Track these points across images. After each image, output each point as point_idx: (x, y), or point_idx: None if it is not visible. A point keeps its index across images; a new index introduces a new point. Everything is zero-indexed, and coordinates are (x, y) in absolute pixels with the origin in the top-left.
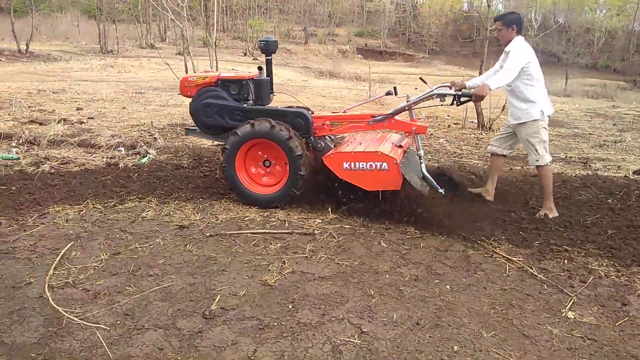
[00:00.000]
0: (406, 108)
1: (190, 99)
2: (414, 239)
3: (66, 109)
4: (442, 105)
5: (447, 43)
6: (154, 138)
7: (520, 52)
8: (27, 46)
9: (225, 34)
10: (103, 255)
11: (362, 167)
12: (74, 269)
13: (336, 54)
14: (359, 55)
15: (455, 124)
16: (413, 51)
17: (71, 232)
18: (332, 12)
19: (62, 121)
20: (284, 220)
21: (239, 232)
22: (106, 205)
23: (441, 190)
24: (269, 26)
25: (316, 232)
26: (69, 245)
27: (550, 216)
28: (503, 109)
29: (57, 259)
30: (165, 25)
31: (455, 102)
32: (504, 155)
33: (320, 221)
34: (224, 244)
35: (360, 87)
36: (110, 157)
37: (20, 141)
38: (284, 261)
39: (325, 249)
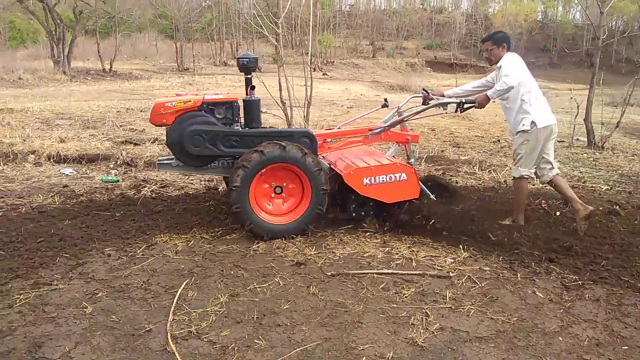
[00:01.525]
0: (404, 120)
1: (162, 127)
2: (575, 288)
3: (156, 128)
4: (445, 113)
5: (521, 54)
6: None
7: (512, 63)
8: (110, 65)
9: (293, 50)
10: (221, 296)
11: (382, 181)
12: (194, 314)
13: (405, 67)
14: (428, 68)
15: (560, 141)
16: (485, 63)
17: (183, 266)
18: (400, 25)
19: (155, 141)
20: (410, 259)
21: (363, 272)
22: (213, 235)
23: (432, 196)
24: (338, 41)
25: (451, 274)
26: (184, 283)
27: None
28: (617, 126)
29: (175, 300)
30: (237, 43)
31: (459, 109)
32: (556, 174)
33: (452, 260)
34: (349, 287)
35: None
36: (208, 180)
37: (118, 162)
38: (426, 313)
39: (468, 297)
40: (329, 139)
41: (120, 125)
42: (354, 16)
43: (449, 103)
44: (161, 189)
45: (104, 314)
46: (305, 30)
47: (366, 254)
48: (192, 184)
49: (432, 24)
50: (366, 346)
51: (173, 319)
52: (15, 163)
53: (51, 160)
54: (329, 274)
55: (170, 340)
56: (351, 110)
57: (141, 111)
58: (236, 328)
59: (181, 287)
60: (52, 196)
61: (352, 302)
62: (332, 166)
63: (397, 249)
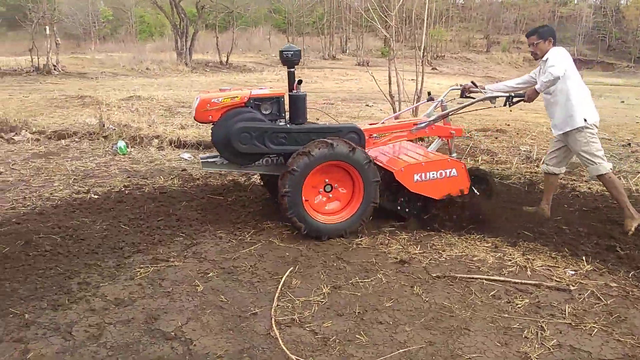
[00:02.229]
0: (451, 113)
1: (206, 125)
2: None
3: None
4: (494, 107)
5: None
6: None
7: (559, 55)
8: (227, 58)
9: (402, 44)
10: (324, 287)
11: (433, 177)
12: (297, 302)
13: (522, 62)
14: None
15: None
16: (614, 59)
17: (288, 254)
18: (519, 18)
19: None
20: (524, 267)
21: (471, 276)
22: None
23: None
24: (449, 35)
25: (572, 287)
26: (289, 271)
27: (635, 225)
28: None
29: (279, 287)
30: (347, 37)
31: (508, 103)
32: (557, 174)
33: (573, 273)
34: (456, 291)
35: None
36: None
37: None
38: (542, 327)
39: (591, 314)
40: (375, 134)
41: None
42: (468, 9)
43: (498, 97)
44: None
45: (214, 294)
46: (416, 23)
47: (475, 258)
48: None
49: (554, 16)
50: (473, 355)
51: (277, 305)
52: (142, 146)
53: (172, 145)
54: (435, 275)
55: (274, 325)
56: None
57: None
58: (338, 320)
59: (285, 274)
60: (172, 179)
61: (459, 307)
62: (376, 162)
63: (510, 255)
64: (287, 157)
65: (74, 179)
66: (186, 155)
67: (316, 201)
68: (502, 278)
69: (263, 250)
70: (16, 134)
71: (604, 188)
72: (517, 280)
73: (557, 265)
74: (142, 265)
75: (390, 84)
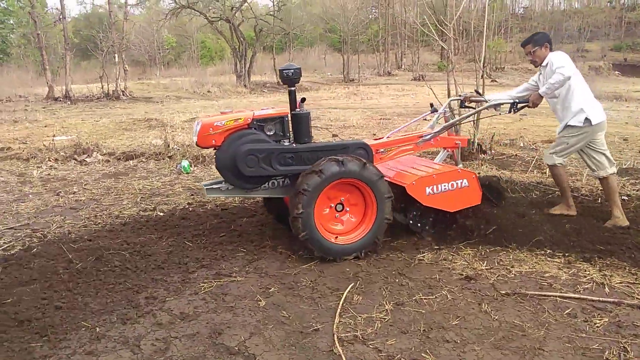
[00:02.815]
0: (457, 123)
1: (208, 150)
2: None
3: (323, 136)
4: (499, 114)
5: None
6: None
7: (563, 57)
8: None
9: (460, 57)
10: (387, 304)
11: (445, 189)
12: (360, 319)
13: (587, 71)
14: (617, 72)
15: None
16: None
17: (348, 269)
18: (583, 25)
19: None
20: (602, 283)
21: (544, 293)
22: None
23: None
24: (509, 46)
25: None
26: (349, 287)
27: (559, 212)
28: None
29: (340, 303)
30: (402, 53)
31: (512, 110)
32: (613, 173)
33: None
34: (527, 309)
35: (624, 108)
36: None
37: None
38: (624, 347)
39: None
40: (381, 149)
41: None
42: (528, 19)
43: (503, 103)
44: None
45: (276, 309)
46: (474, 35)
47: (547, 274)
48: None
49: (621, 22)
50: None
51: (339, 321)
52: (204, 165)
53: None
54: (503, 292)
55: (337, 342)
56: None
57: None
58: (402, 338)
59: (347, 290)
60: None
61: (531, 326)
62: (385, 177)
63: (585, 271)
64: (293, 179)
65: (141, 197)
66: None
67: (328, 221)
68: (577, 295)
69: (323, 266)
70: (88, 155)
71: None
72: (594, 298)
73: (638, 282)
74: (205, 280)
75: (449, 96)
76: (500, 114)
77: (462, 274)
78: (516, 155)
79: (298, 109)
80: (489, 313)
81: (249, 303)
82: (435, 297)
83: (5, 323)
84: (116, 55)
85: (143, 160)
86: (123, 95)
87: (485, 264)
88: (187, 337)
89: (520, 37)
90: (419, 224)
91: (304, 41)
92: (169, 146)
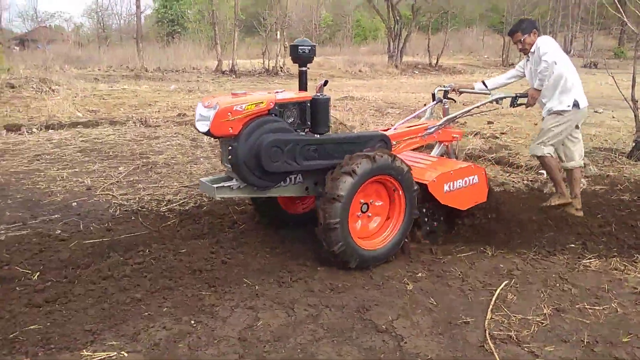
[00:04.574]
0: (458, 116)
1: (222, 139)
2: None
3: (477, 122)
4: (501, 107)
5: None
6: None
7: (548, 42)
8: (437, 60)
9: None
10: (545, 308)
11: (459, 186)
12: (514, 319)
13: None
14: None
15: None
16: None
17: (502, 265)
18: None
19: (477, 134)
20: None
21: None
22: (539, 242)
23: None
24: None
25: None
26: (503, 284)
27: (558, 202)
28: None
29: (493, 299)
30: (572, 36)
31: (513, 103)
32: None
33: None
34: None
35: None
36: (531, 180)
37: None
38: None
39: None
40: (394, 141)
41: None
42: None
43: (505, 97)
44: None
45: (423, 295)
46: None
47: None
48: (513, 181)
49: None
50: None
51: (491, 318)
52: None
53: None
54: None
55: (488, 338)
56: None
57: (464, 104)
58: (561, 347)
59: (500, 287)
60: None
61: None
62: None
63: None
64: (305, 175)
65: None
66: None
67: (358, 226)
68: None
69: (474, 259)
70: None
71: None
72: None
73: None
74: None
75: (633, 87)
76: (502, 107)
77: (637, 289)
78: None
79: (318, 93)
80: None
81: (396, 284)
82: (603, 308)
83: (181, 271)
84: (277, 32)
85: None
86: (281, 71)
87: None
88: (336, 308)
89: None
90: (433, 224)
91: (462, 21)
92: None
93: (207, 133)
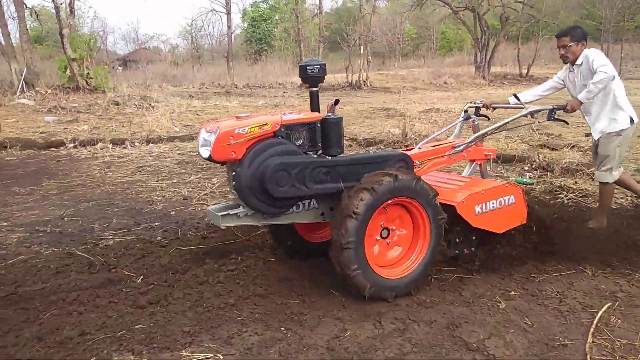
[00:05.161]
0: (489, 132)
1: (228, 164)
2: None
3: (573, 134)
4: (538, 122)
5: None
6: None
7: (602, 55)
8: (527, 70)
9: None
10: None
11: (493, 207)
12: (618, 344)
13: None
14: None
15: None
16: None
17: (603, 286)
18: None
19: (574, 147)
20: None
21: None
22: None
23: None
24: None
25: None
26: (606, 306)
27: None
28: None
29: (594, 321)
30: None
31: (551, 117)
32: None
33: None
34: None
35: None
36: (636, 196)
37: (533, 165)
38: None
39: None
40: (417, 162)
41: (536, 129)
42: None
43: (541, 110)
44: (580, 198)
45: (517, 314)
46: None
47: None
48: (614, 197)
49: None
50: None
51: (592, 342)
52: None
53: None
54: None
55: None
56: None
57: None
58: None
59: (602, 309)
60: None
61: None
62: None
63: None
64: (320, 200)
65: None
66: None
67: (375, 251)
68: None
69: (572, 278)
70: None
71: None
72: None
73: None
74: (447, 273)
75: None
76: (538, 122)
77: None
78: None
79: (329, 113)
80: None
81: (487, 302)
82: None
83: (270, 279)
84: (361, 47)
85: (381, 147)
86: (364, 85)
87: None
88: (424, 323)
89: None
90: (463, 250)
91: (555, 29)
92: (406, 135)
93: (209, 158)
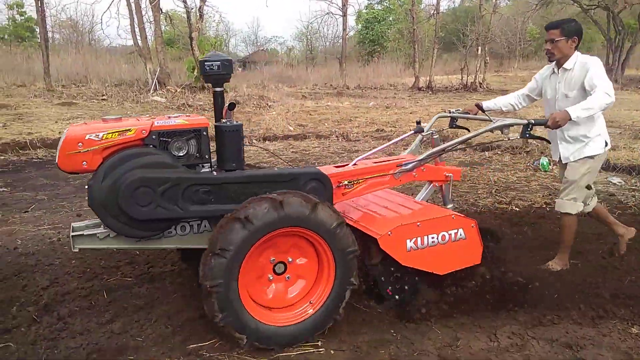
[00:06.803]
0: (447, 149)
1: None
2: None
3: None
4: (508, 139)
5: None
6: None
7: (602, 69)
8: None
9: None
10: None
11: (433, 242)
12: None
13: None
14: None
15: None
16: None
17: None
18: None
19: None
20: None
21: None
22: None
23: None
24: None
25: None
26: None
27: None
28: None
29: None
30: None
31: (526, 134)
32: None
33: None
34: None
35: None
36: None
37: None
38: None
39: None
40: (345, 181)
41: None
42: None
43: (514, 124)
44: None
45: None
46: None
47: None
48: None
49: None
50: None
51: None
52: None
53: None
54: None
55: None
56: None
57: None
58: None
59: None
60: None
61: None
62: (349, 222)
63: None
64: (213, 222)
65: (496, 189)
66: (615, 180)
67: (262, 292)
68: None
69: None
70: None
71: None
72: None
73: None
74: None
75: None
76: (509, 139)
77: None
78: None
79: (224, 120)
80: None
81: (617, 324)
82: None
83: None
84: (479, 47)
85: (498, 152)
86: (480, 87)
87: None
88: (544, 341)
89: None
90: (394, 291)
91: None
92: (526, 141)
93: (58, 167)
